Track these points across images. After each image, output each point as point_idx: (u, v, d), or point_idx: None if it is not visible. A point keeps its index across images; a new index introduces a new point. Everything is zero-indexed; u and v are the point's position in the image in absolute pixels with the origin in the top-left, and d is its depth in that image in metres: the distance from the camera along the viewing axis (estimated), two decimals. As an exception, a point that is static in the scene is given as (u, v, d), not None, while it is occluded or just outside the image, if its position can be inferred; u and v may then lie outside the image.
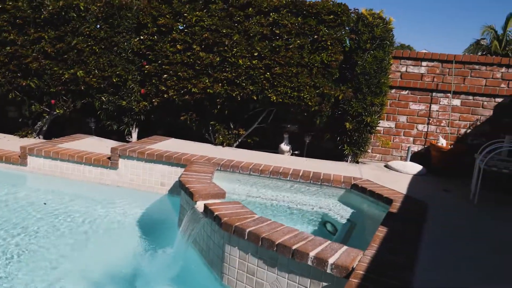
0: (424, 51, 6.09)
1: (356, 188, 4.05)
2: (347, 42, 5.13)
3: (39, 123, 6.08)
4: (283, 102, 5.07)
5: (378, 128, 5.48)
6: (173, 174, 4.55)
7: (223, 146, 5.44)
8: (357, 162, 5.34)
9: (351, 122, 5.08)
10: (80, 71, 5.48)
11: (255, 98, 5.13)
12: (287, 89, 5.02)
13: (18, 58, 5.59)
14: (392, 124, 5.61)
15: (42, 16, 5.49)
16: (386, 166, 5.26)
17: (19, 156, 4.93)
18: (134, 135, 5.89)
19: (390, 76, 5.24)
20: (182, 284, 2.92)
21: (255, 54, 5.05)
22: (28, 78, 5.65)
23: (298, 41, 5.00)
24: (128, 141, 5.78)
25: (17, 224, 3.68)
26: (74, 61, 5.53)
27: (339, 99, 5.07)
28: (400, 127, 5.60)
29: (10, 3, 5.53)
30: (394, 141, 5.64)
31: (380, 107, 5.09)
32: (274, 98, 5.04)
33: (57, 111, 5.82)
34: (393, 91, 5.50)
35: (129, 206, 4.36)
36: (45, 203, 4.30)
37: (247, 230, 2.61)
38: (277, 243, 2.47)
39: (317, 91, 5.02)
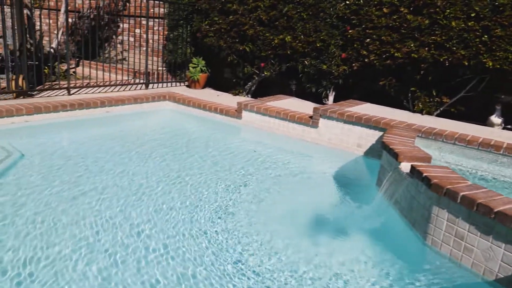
0: None
1: None
2: None
3: (249, 83, 6.95)
4: (500, 68, 4.54)
5: None
6: (370, 136, 4.67)
7: (422, 114, 5.24)
8: None
9: None
10: (288, 37, 5.98)
11: (466, 63, 4.73)
12: (508, 54, 4.46)
13: (237, 25, 6.44)
14: None
15: (259, -14, 6.15)
16: None
17: (235, 110, 5.78)
18: (331, 98, 6.18)
19: None
20: (381, 236, 3.08)
21: (472, 14, 4.61)
22: (244, 43, 6.48)
23: (530, -2, 4.34)
24: (324, 104, 6.11)
25: (232, 166, 4.40)
26: (284, 27, 6.06)
27: None
28: None
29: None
30: None
31: None
32: (490, 64, 4.55)
33: (265, 73, 6.54)
34: None
35: (326, 162, 4.70)
36: (255, 151, 5.02)
37: (461, 194, 2.56)
38: (495, 210, 2.36)
39: (548, 56, 4.32)
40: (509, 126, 5.04)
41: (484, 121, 5.10)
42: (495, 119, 4.98)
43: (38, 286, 2.20)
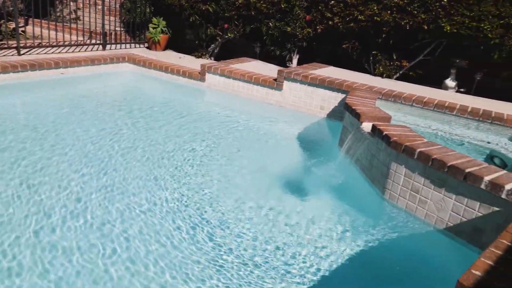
0: None
1: (536, 130, 3.70)
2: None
3: (212, 45, 6.81)
4: (457, 33, 4.69)
5: None
6: (332, 99, 4.75)
7: (382, 77, 5.37)
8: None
9: (538, 59, 4.48)
10: (253, -4, 5.86)
11: (425, 27, 4.85)
12: (464, 19, 4.60)
13: (200, -16, 6.22)
14: None
15: None
16: None
17: (199, 73, 5.67)
18: (294, 61, 6.18)
19: None
20: (343, 192, 3.20)
21: (433, -22, 4.69)
22: (207, 3, 6.28)
23: (486, -37, 4.45)
24: (288, 67, 6.12)
25: (196, 128, 4.38)
26: (248, -13, 5.91)
27: (527, 31, 4.47)
28: None
29: None
30: None
31: None
32: (448, 28, 4.69)
33: (229, 35, 6.41)
34: None
35: (290, 124, 4.76)
36: (218, 113, 5.00)
37: (417, 150, 2.70)
38: (448, 164, 2.51)
39: (501, 21, 4.49)
40: (462, 90, 5.28)
41: (440, 84, 5.31)
42: (450, 82, 5.19)
43: None
